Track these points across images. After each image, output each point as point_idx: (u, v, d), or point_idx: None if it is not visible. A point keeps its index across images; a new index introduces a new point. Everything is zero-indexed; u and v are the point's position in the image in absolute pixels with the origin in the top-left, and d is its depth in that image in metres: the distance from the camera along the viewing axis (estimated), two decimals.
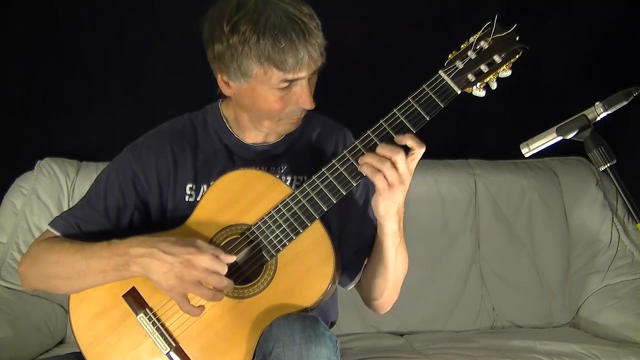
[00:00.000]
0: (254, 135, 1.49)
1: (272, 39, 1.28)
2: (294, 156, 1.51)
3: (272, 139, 1.51)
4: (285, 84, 1.34)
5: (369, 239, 1.51)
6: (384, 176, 1.29)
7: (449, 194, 2.44)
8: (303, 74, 1.33)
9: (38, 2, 2.39)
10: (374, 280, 1.48)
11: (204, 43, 1.39)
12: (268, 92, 1.35)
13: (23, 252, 2.14)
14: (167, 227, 1.44)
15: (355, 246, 1.50)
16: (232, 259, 1.30)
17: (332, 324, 1.59)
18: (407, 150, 1.30)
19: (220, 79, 1.40)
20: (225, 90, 1.42)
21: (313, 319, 1.25)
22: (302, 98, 1.36)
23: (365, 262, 1.51)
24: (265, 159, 1.49)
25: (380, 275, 1.47)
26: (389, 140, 1.31)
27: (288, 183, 1.47)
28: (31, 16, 2.40)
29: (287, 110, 1.38)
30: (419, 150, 1.30)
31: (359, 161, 1.32)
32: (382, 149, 1.30)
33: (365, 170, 1.31)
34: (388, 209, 1.35)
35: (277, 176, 1.43)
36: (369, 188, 1.56)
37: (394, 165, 1.28)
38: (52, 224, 1.47)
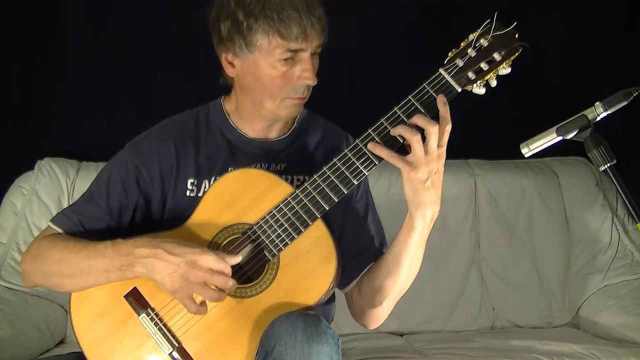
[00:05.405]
0: (256, 128, 1.49)
1: (277, 8, 1.31)
2: (294, 155, 1.51)
3: (274, 134, 1.51)
4: (289, 55, 1.35)
5: (371, 244, 1.50)
6: (414, 152, 1.27)
7: (449, 194, 2.42)
8: (306, 45, 1.34)
9: (38, 2, 2.39)
10: (383, 282, 1.42)
11: (210, 30, 1.41)
12: (270, 66, 1.36)
13: (23, 252, 2.13)
14: (167, 223, 1.44)
15: (355, 250, 1.49)
16: (237, 259, 1.30)
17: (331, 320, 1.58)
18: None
19: (224, 59, 1.42)
20: (229, 70, 1.43)
21: (315, 317, 1.24)
22: (305, 73, 1.37)
23: (367, 268, 1.48)
24: (266, 154, 1.49)
25: (391, 274, 1.41)
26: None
27: (288, 182, 1.46)
28: (31, 16, 2.39)
29: (289, 88, 1.38)
30: (447, 126, 1.28)
31: (390, 132, 1.30)
32: (417, 119, 1.28)
33: (379, 152, 1.29)
34: (416, 193, 1.30)
35: (278, 175, 1.43)
36: (369, 194, 1.56)
37: (427, 139, 1.26)
38: (54, 220, 1.46)
